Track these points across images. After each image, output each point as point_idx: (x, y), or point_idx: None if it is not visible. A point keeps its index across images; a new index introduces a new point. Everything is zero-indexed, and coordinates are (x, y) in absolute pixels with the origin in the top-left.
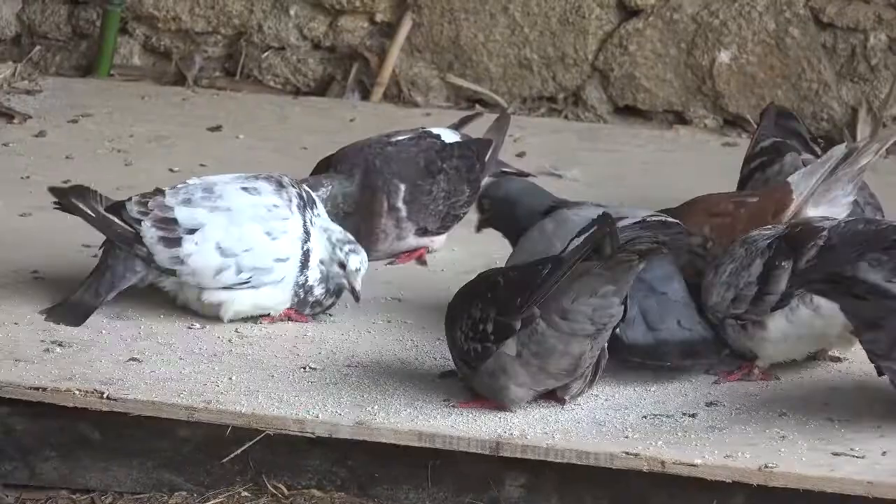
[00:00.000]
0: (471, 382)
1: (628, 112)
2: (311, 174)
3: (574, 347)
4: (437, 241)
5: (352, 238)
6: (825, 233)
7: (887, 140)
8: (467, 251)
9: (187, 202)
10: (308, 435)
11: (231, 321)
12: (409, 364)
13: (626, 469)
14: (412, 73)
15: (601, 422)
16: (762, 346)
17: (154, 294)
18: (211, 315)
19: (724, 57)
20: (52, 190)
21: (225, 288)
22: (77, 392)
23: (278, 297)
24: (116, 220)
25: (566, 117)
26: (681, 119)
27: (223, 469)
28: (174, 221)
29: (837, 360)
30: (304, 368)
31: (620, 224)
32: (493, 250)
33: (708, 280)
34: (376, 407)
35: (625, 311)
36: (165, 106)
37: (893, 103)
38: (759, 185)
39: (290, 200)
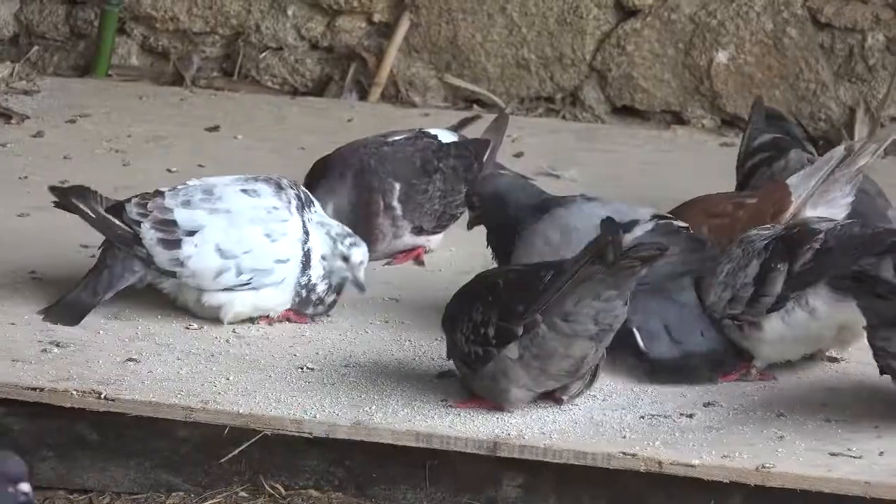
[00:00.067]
0: (469, 383)
1: (626, 112)
2: (308, 175)
3: (576, 349)
4: (434, 240)
5: (350, 231)
6: (821, 236)
7: (885, 140)
8: (465, 251)
9: (187, 204)
10: (306, 435)
11: (231, 323)
12: (406, 364)
13: (623, 469)
14: (410, 74)
15: (599, 422)
16: (758, 346)
17: (152, 294)
18: (210, 317)
19: (721, 57)
20: (53, 189)
21: (225, 290)
22: (75, 392)
23: (278, 298)
24: (116, 221)
25: (564, 117)
26: (678, 119)
27: (221, 469)
28: (174, 223)
29: (835, 360)
30: (302, 369)
31: (636, 233)
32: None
33: (706, 280)
34: (374, 407)
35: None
36: (163, 106)
37: (891, 103)
38: (765, 181)
39: (290, 202)
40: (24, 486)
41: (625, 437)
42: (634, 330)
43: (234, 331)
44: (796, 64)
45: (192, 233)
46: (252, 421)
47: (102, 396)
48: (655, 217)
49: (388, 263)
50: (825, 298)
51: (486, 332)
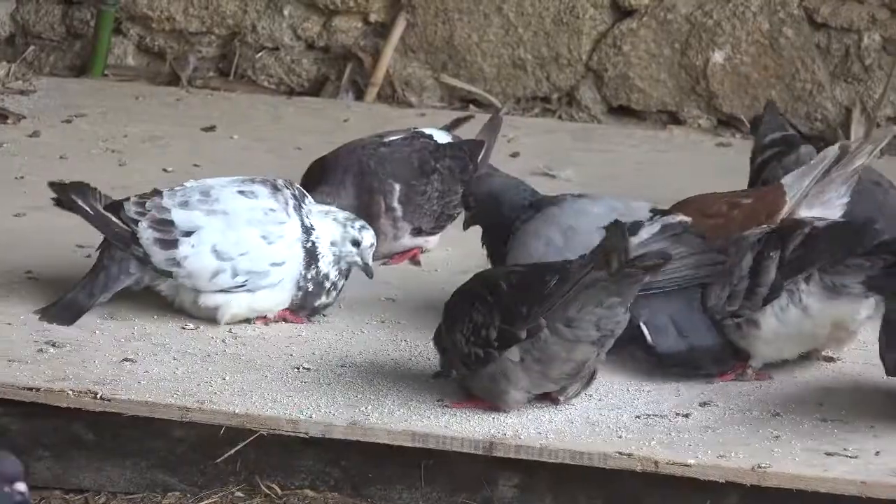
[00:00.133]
0: (467, 382)
1: (622, 112)
2: (305, 176)
3: (577, 354)
4: (431, 240)
5: (355, 215)
6: (811, 224)
7: (881, 141)
8: (461, 251)
9: (184, 205)
10: (301, 435)
11: (227, 324)
12: (402, 364)
13: (619, 469)
14: (406, 74)
15: (595, 422)
16: (755, 345)
17: (148, 294)
18: (207, 318)
19: (717, 57)
20: (52, 185)
21: (221, 291)
22: (70, 392)
23: (275, 299)
24: (114, 219)
25: (560, 117)
26: (675, 119)
27: (217, 469)
28: (171, 223)
29: (831, 360)
30: (298, 369)
31: (641, 236)
32: None
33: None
34: (370, 407)
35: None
36: (159, 106)
37: (887, 103)
38: (777, 176)
39: (287, 203)
40: (20, 486)
41: (621, 436)
42: (642, 324)
43: (230, 331)
44: (792, 64)
45: (189, 233)
46: (248, 421)
47: (98, 396)
48: (654, 212)
49: (384, 263)
50: (818, 296)
51: (487, 335)
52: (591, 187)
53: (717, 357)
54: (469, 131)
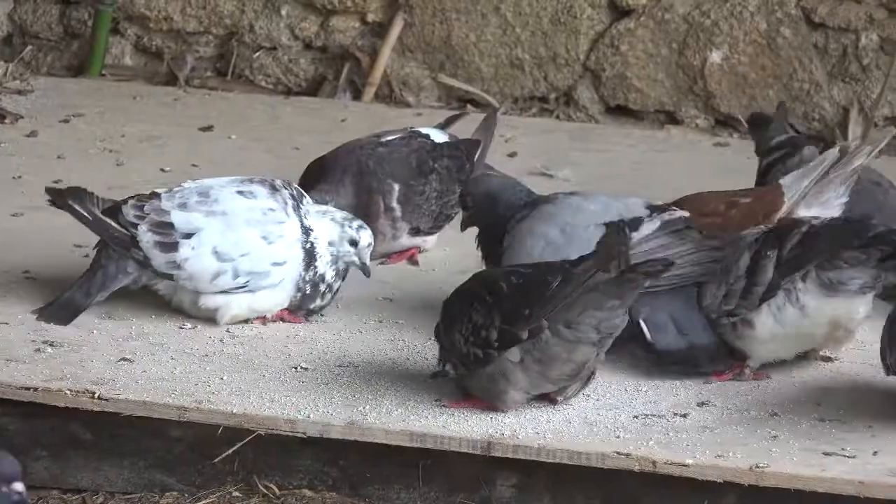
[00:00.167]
0: (465, 382)
1: (620, 112)
2: (303, 176)
3: (578, 355)
4: (430, 240)
5: (352, 215)
6: (808, 224)
7: (879, 143)
8: (459, 251)
9: (183, 206)
10: (299, 435)
11: (226, 324)
12: (400, 364)
13: (617, 469)
14: (404, 73)
15: (592, 422)
16: (751, 345)
17: (146, 294)
18: (206, 318)
19: (715, 57)
20: (49, 191)
21: (222, 292)
22: (68, 392)
23: (275, 299)
24: (112, 223)
25: (558, 117)
26: (672, 119)
27: (214, 469)
28: (170, 226)
29: (829, 360)
30: (296, 368)
31: (643, 232)
32: None
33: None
34: (368, 407)
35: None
36: (157, 106)
37: (885, 103)
38: (780, 178)
39: (286, 203)
40: (18, 486)
41: (619, 436)
42: (641, 322)
43: (227, 330)
44: (790, 64)
45: (188, 235)
46: (246, 421)
47: (96, 396)
48: (652, 208)
49: (382, 263)
50: (815, 294)
51: (487, 335)
52: (588, 187)
53: (716, 355)
54: (465, 130)
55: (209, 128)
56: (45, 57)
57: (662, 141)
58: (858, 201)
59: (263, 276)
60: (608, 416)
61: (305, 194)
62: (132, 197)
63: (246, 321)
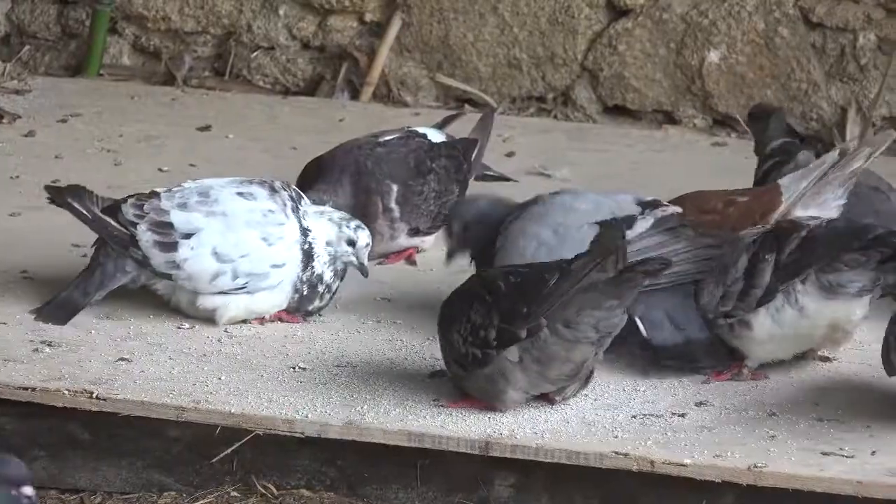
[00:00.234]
0: (462, 382)
1: (617, 112)
2: (301, 176)
3: (576, 354)
4: (428, 240)
5: (350, 215)
6: (807, 227)
7: (879, 146)
8: None
9: (183, 206)
10: (297, 435)
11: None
12: (398, 364)
13: (615, 469)
14: (401, 73)
15: (591, 422)
16: (749, 345)
17: (143, 293)
18: (204, 318)
19: (713, 57)
20: (48, 189)
21: (220, 293)
22: (66, 392)
23: (273, 301)
24: (112, 222)
25: (555, 117)
26: (670, 119)
27: (212, 469)
28: (170, 226)
29: (827, 360)
30: (294, 368)
31: (636, 230)
32: None
33: (696, 287)
34: (366, 407)
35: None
36: (155, 106)
37: (882, 103)
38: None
39: (285, 204)
40: (28, 490)
41: (617, 436)
42: (637, 319)
43: (225, 330)
44: (788, 63)
45: (188, 235)
46: (244, 421)
47: (94, 396)
48: (642, 204)
49: (380, 263)
50: (814, 296)
51: (486, 335)
52: (586, 187)
53: (713, 350)
54: (462, 130)
55: (207, 127)
56: (43, 57)
57: (660, 141)
58: (856, 206)
59: (263, 277)
60: (606, 415)
61: (304, 195)
62: (132, 196)
63: (244, 321)
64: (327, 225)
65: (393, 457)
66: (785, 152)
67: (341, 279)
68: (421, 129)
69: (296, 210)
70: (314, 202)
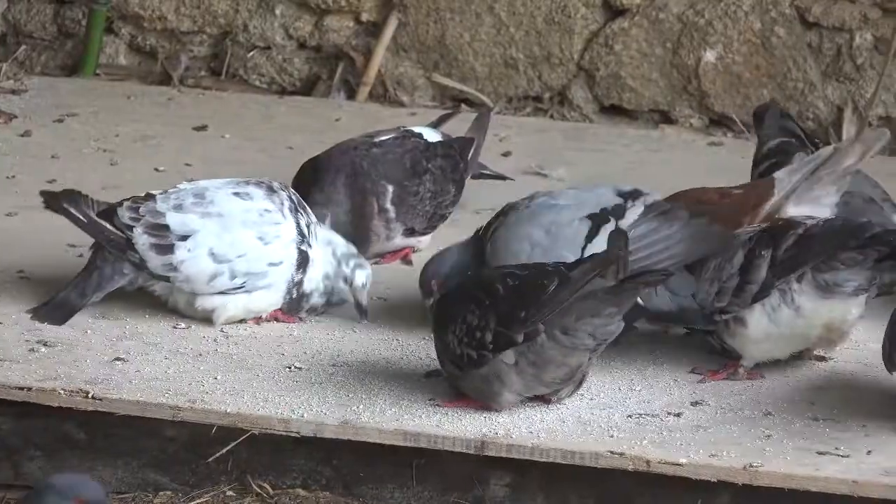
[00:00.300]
0: (458, 382)
1: (614, 111)
2: (296, 176)
3: (573, 359)
4: (424, 240)
5: (356, 251)
6: (804, 225)
7: (872, 144)
8: None
9: (179, 208)
10: (293, 434)
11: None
12: (394, 363)
13: (611, 468)
14: (398, 73)
15: (586, 421)
16: (745, 344)
17: (139, 294)
18: (202, 319)
19: (709, 56)
20: (44, 194)
21: (219, 293)
22: (62, 392)
23: (270, 300)
24: (108, 226)
25: (552, 117)
26: (666, 118)
27: (208, 468)
28: (166, 228)
29: (823, 359)
30: (290, 368)
31: (628, 218)
32: None
33: (694, 275)
34: (361, 406)
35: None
36: (151, 105)
37: (879, 103)
38: None
39: (282, 204)
40: None
41: (612, 436)
42: None
43: (221, 330)
44: (784, 63)
45: (184, 237)
46: (239, 420)
47: (90, 396)
48: (623, 195)
49: (375, 263)
50: (810, 296)
51: (482, 337)
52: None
53: (708, 317)
54: (458, 129)
55: (203, 127)
56: (39, 56)
57: (657, 140)
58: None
59: (260, 276)
60: (602, 415)
61: (308, 209)
62: (127, 199)
63: (241, 321)
64: (330, 259)
65: (389, 456)
66: (782, 152)
67: (338, 306)
68: (417, 129)
69: (294, 211)
70: (316, 217)
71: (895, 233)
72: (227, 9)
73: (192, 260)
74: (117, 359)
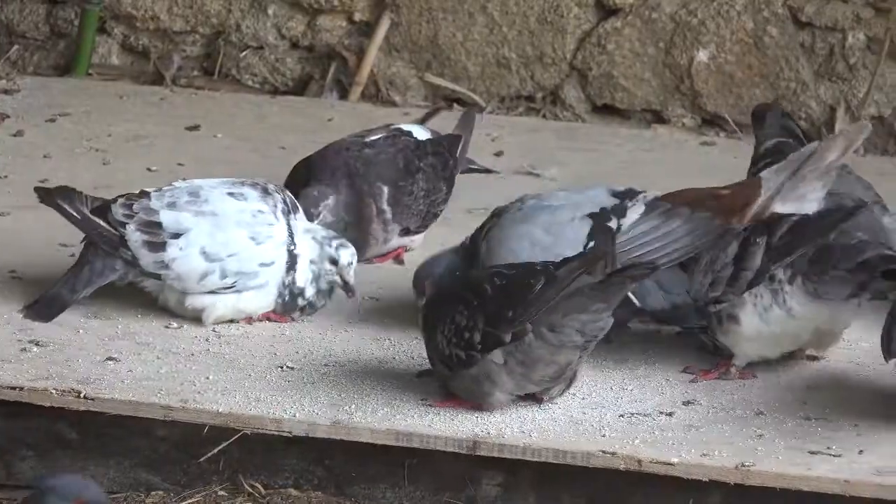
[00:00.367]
0: (448, 383)
1: (606, 111)
2: (289, 176)
3: (561, 358)
4: (416, 239)
5: (335, 233)
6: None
7: (856, 137)
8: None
9: (172, 206)
10: (285, 434)
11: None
12: (386, 363)
13: (603, 468)
14: (390, 73)
15: (578, 421)
16: (737, 341)
17: (131, 293)
18: (192, 317)
19: (702, 56)
20: (38, 190)
21: (209, 292)
22: (54, 391)
23: (261, 301)
24: (101, 222)
25: (544, 116)
26: (659, 118)
27: (200, 468)
28: (159, 225)
29: (815, 358)
30: (282, 368)
31: (630, 218)
32: None
33: (688, 270)
34: (353, 406)
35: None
36: (143, 105)
37: (871, 102)
38: None
39: (276, 206)
40: None
41: (604, 435)
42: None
43: (213, 330)
44: (777, 63)
45: (177, 235)
46: (231, 420)
47: (82, 395)
48: (618, 195)
49: (368, 262)
50: (801, 300)
51: (470, 337)
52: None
53: (702, 309)
54: (446, 126)
55: (196, 127)
56: (32, 56)
57: (649, 140)
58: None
59: (251, 276)
60: (594, 414)
61: (300, 208)
62: (121, 196)
63: (232, 320)
64: (311, 244)
65: (381, 456)
66: (778, 152)
67: (329, 297)
68: (405, 127)
69: (287, 213)
70: (310, 207)
71: (887, 259)
72: (220, 9)
73: (184, 258)
74: (109, 358)
